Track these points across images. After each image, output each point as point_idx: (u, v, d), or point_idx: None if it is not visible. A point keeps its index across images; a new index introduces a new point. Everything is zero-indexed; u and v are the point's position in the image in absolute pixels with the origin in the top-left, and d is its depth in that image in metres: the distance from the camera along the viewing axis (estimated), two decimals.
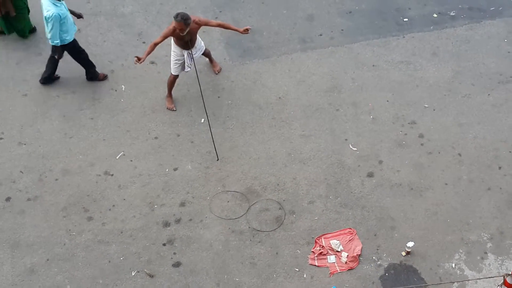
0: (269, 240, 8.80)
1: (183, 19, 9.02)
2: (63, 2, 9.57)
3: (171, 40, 9.65)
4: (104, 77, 10.62)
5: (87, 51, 10.82)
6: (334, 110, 10.22)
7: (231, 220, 9.00)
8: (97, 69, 10.57)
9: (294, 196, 9.23)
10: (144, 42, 11.10)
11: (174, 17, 9.04)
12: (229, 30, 10.13)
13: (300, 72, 10.79)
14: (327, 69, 10.81)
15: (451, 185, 9.31)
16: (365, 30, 11.45)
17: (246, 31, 9.73)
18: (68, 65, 10.73)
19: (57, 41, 9.72)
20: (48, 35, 9.70)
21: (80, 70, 10.57)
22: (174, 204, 9.15)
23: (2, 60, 10.91)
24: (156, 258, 8.64)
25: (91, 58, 10.60)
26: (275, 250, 8.71)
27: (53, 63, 10.30)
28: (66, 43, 9.89)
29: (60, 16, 9.44)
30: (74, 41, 10.06)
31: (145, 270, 8.52)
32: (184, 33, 9.22)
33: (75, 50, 10.22)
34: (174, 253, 8.69)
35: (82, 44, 11.02)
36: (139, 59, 9.28)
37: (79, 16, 10.18)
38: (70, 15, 9.78)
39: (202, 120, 10.06)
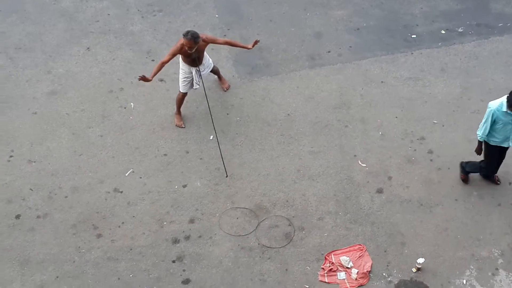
0: (279, 256, 8.76)
1: (193, 37, 9.06)
2: None
3: (179, 58, 9.70)
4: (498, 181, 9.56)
5: (96, 69, 10.87)
6: (343, 127, 10.22)
7: (241, 236, 8.98)
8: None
9: (303, 212, 9.21)
10: (153, 60, 11.15)
11: (183, 35, 9.06)
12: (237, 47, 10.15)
13: (308, 88, 10.80)
14: (336, 86, 10.82)
15: (461, 201, 9.26)
16: (373, 46, 11.47)
17: (255, 43, 9.76)
18: (77, 84, 10.81)
19: (479, 133, 8.74)
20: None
21: (90, 86, 10.65)
22: (183, 221, 9.13)
23: (12, 78, 10.98)
24: (166, 275, 8.61)
25: (99, 75, 10.66)
26: (284, 266, 8.67)
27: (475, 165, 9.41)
28: (489, 142, 8.84)
29: (494, 116, 8.42)
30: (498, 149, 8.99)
31: (154, 287, 8.49)
32: (192, 50, 9.26)
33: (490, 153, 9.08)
34: (184, 270, 8.66)
35: (91, 62, 11.13)
36: (144, 78, 9.30)
37: None
38: None
39: (211, 137, 10.07)
